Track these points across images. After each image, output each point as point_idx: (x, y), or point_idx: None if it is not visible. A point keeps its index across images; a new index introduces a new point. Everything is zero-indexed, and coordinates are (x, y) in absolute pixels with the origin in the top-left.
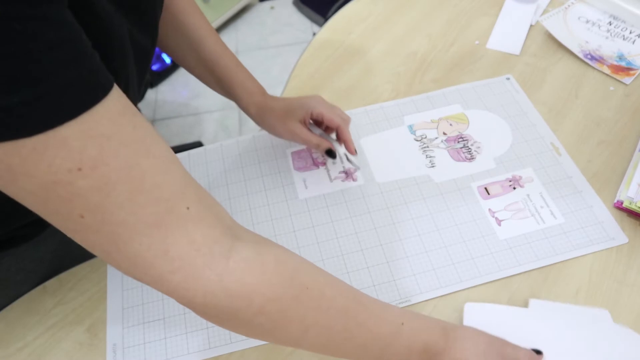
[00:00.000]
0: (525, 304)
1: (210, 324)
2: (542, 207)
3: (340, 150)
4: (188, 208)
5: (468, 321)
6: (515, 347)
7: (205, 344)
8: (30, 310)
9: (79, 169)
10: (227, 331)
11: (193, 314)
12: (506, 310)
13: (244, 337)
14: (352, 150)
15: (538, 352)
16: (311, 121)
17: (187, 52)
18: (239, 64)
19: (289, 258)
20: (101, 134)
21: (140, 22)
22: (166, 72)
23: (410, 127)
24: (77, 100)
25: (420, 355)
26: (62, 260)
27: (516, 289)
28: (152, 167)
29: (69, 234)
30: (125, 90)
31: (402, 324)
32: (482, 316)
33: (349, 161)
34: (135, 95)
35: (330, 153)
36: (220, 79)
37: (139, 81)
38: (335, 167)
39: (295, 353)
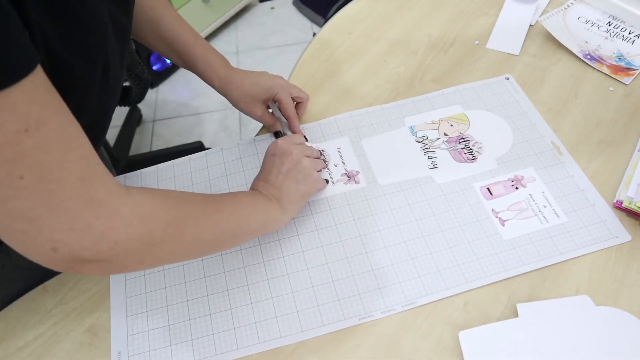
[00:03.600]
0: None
1: (215, 330)
2: (545, 206)
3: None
4: (98, 163)
5: (466, 349)
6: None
7: (211, 351)
8: (30, 310)
9: (26, 130)
10: (233, 337)
11: (199, 320)
12: (500, 327)
13: (250, 343)
14: (295, 129)
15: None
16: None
17: (147, 31)
18: (197, 38)
19: (161, 191)
20: (41, 100)
21: (118, 1)
22: (167, 72)
23: (411, 128)
24: (17, 66)
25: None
26: None
27: (516, 289)
28: (76, 131)
29: None
30: (106, 67)
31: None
32: (477, 340)
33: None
34: (118, 73)
35: (278, 135)
36: (181, 54)
37: (120, 58)
38: (337, 169)
39: (295, 352)
